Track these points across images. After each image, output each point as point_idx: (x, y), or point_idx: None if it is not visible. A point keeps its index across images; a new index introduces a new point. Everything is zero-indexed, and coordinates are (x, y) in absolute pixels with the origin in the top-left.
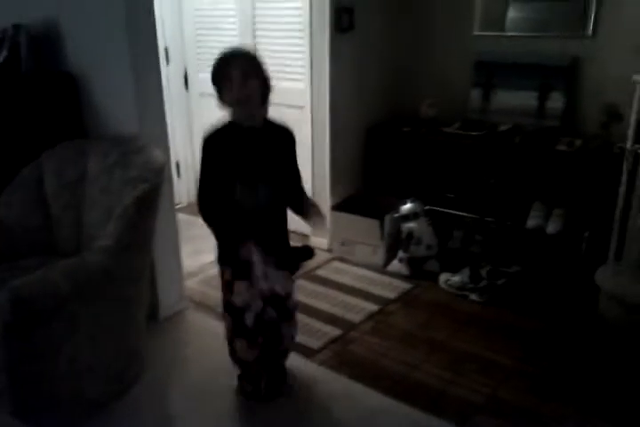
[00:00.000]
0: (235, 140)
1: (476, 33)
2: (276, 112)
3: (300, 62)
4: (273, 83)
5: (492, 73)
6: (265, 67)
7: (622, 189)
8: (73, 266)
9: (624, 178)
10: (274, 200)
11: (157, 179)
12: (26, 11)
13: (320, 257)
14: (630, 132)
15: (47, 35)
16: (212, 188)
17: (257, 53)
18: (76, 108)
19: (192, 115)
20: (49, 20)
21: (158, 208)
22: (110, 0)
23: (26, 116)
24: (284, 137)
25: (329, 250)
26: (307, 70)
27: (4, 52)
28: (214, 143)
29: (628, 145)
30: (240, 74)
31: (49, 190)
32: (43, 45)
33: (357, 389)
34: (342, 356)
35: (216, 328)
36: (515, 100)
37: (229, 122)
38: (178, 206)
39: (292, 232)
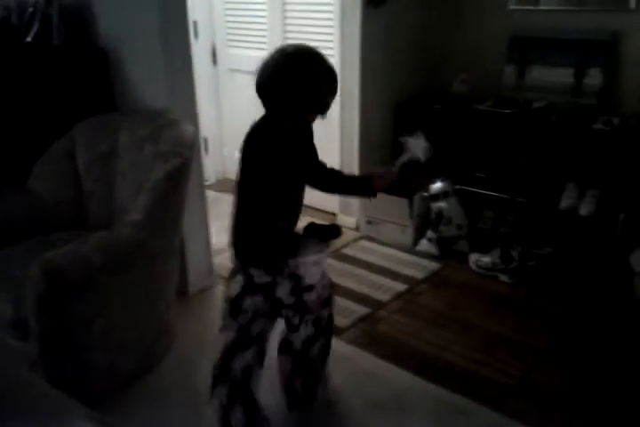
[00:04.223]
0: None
1: (512, 7)
2: None
3: (329, 37)
4: None
5: (527, 48)
6: None
7: None
8: (104, 239)
9: None
10: None
11: (188, 153)
12: None
13: (347, 236)
14: None
15: (79, 8)
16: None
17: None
18: (107, 81)
19: (220, 91)
20: None
21: (188, 183)
22: None
23: (57, 90)
24: None
25: (356, 228)
26: (336, 45)
27: (36, 25)
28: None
29: None
30: None
31: (81, 164)
32: (74, 18)
33: (387, 368)
34: (371, 335)
35: None
36: (550, 76)
37: (284, 124)
38: (206, 183)
39: (320, 210)
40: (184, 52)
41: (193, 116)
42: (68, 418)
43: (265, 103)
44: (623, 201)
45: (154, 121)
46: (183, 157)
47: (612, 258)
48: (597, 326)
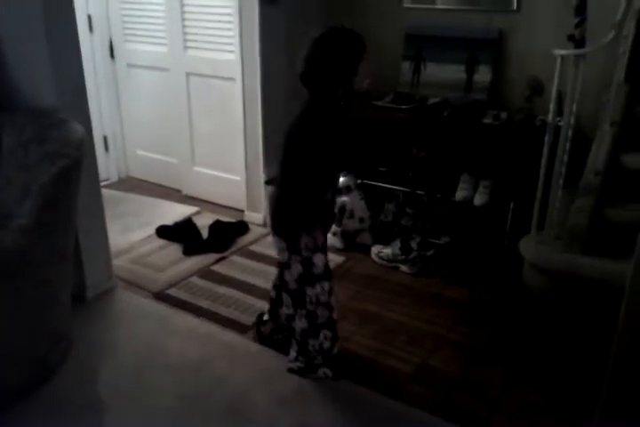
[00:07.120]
0: (343, 121)
1: (407, 5)
2: (206, 84)
3: (230, 33)
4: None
5: (421, 46)
6: None
7: (544, 161)
8: None
9: (545, 150)
10: None
11: (77, 154)
12: None
13: (255, 232)
14: (552, 106)
15: None
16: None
17: None
18: None
19: (119, 86)
20: None
21: (79, 185)
22: None
23: None
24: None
25: (264, 225)
26: (237, 41)
27: None
28: (335, 126)
29: (549, 118)
30: None
31: None
32: None
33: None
34: None
35: (146, 307)
36: (444, 73)
37: (326, 100)
38: (107, 182)
39: (228, 207)
40: (72, 46)
41: (84, 114)
42: None
43: (314, 81)
44: (513, 191)
45: (39, 121)
46: (71, 158)
47: (504, 245)
48: (491, 309)
